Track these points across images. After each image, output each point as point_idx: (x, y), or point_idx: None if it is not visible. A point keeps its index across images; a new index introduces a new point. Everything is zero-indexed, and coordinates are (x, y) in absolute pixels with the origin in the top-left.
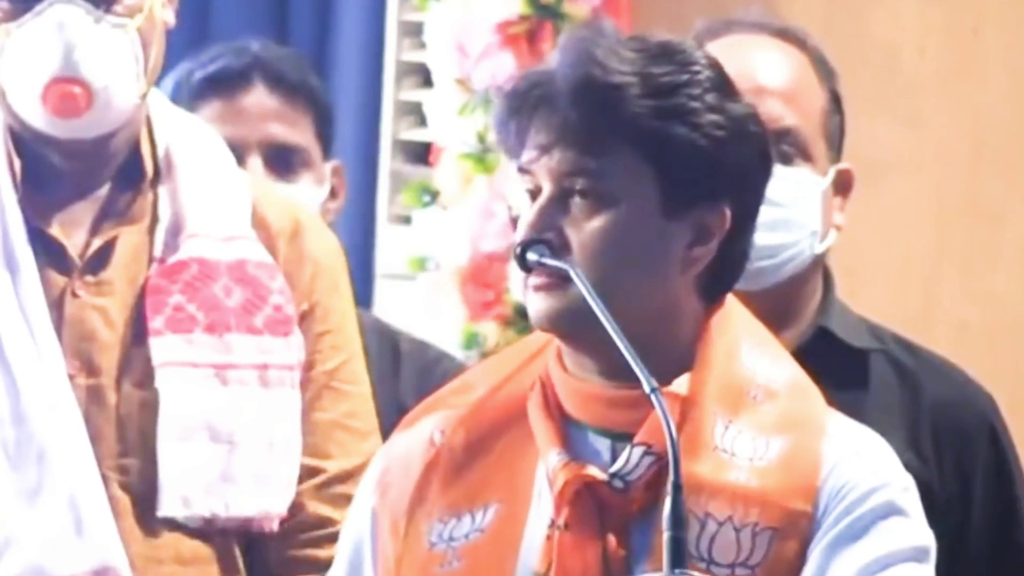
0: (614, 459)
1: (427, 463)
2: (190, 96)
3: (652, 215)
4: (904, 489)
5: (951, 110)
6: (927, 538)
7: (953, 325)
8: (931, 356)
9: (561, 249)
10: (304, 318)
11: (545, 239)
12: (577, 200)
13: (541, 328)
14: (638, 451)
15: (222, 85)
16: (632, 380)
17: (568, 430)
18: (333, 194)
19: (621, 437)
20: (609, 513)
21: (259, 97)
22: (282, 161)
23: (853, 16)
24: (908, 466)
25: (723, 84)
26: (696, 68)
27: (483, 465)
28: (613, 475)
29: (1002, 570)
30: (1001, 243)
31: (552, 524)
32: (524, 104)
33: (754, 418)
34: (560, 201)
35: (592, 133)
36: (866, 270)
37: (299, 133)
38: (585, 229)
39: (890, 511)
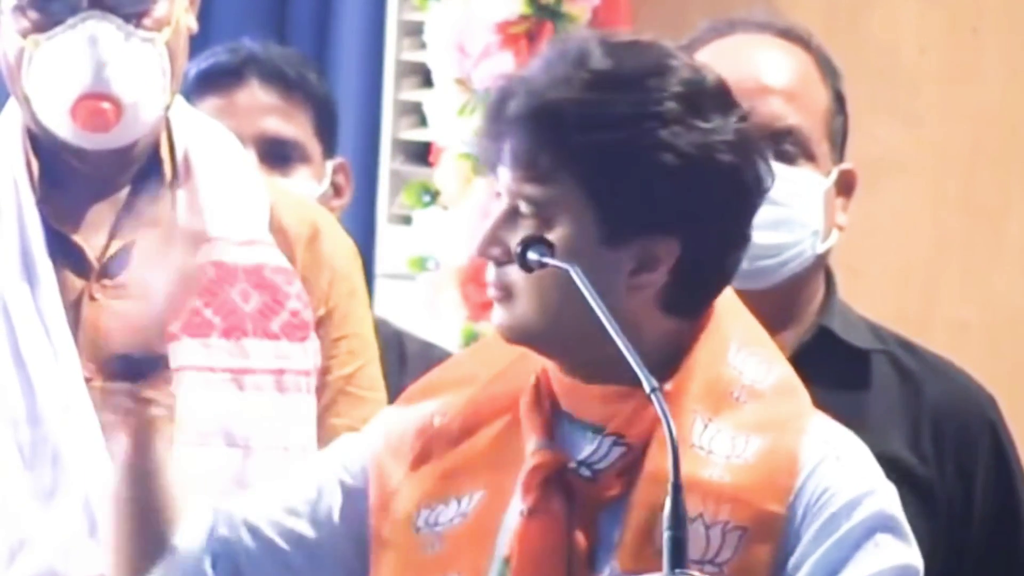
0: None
1: (421, 446)
2: (185, 93)
3: (590, 243)
4: (889, 498)
5: (951, 110)
6: (916, 558)
7: (953, 325)
8: (933, 357)
9: (507, 263)
10: (321, 323)
11: (492, 255)
12: (524, 220)
13: (504, 339)
14: (607, 441)
15: (216, 81)
16: (604, 378)
17: (560, 423)
18: (338, 192)
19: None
20: (578, 502)
21: (253, 92)
22: (277, 155)
23: (853, 16)
24: (909, 466)
25: (689, 113)
26: (658, 98)
27: (473, 453)
28: (580, 463)
29: (1003, 570)
30: (1001, 243)
31: (521, 512)
32: (488, 121)
33: (735, 417)
34: (511, 218)
35: (532, 160)
36: (866, 270)
37: (294, 127)
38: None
39: (877, 526)
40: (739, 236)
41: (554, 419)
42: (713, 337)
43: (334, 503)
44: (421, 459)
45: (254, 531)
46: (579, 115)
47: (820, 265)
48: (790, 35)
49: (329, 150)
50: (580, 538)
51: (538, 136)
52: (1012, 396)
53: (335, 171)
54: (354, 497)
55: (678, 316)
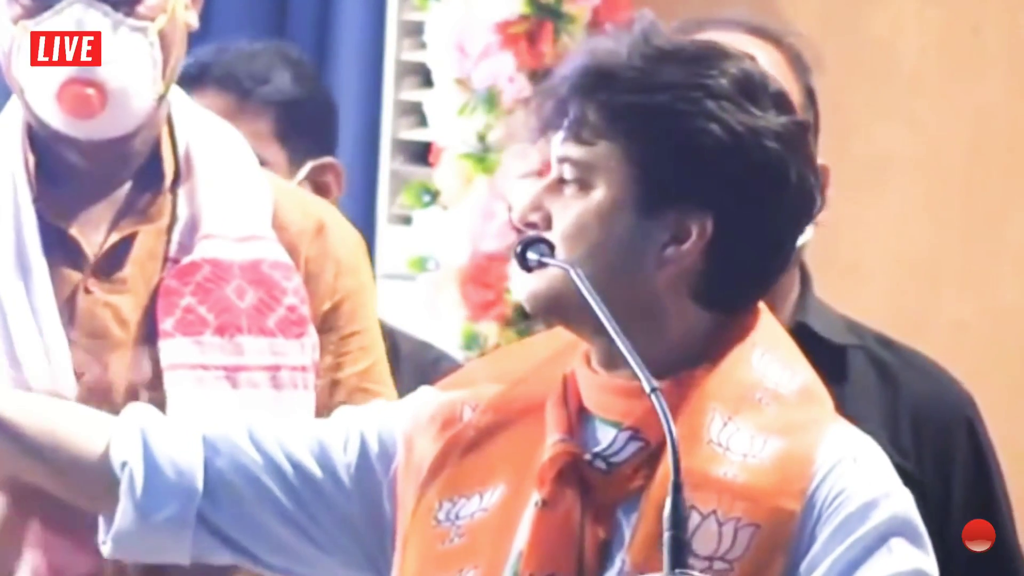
0: None
1: (448, 439)
2: None
3: (626, 209)
4: (904, 502)
5: (951, 110)
6: (930, 564)
7: (952, 325)
8: (910, 353)
9: (546, 230)
10: (327, 318)
11: (532, 221)
12: (567, 186)
13: (527, 308)
14: (624, 435)
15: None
16: (626, 367)
17: (585, 422)
18: (324, 192)
19: (624, 425)
20: (593, 495)
21: (208, 100)
22: None
23: (853, 16)
24: (889, 460)
25: (742, 96)
26: (712, 74)
27: (498, 449)
28: (596, 455)
29: (981, 565)
30: (1001, 243)
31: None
32: (550, 85)
33: (756, 418)
34: (555, 185)
35: (581, 122)
36: (866, 270)
37: (248, 136)
38: (565, 213)
39: (892, 530)
40: (777, 236)
41: (579, 418)
42: (739, 339)
43: (353, 459)
44: (447, 451)
45: (258, 445)
46: (629, 79)
47: (795, 261)
48: (760, 32)
49: (307, 152)
50: (594, 531)
51: (587, 97)
52: (1012, 396)
53: (321, 170)
54: (377, 460)
55: (710, 309)
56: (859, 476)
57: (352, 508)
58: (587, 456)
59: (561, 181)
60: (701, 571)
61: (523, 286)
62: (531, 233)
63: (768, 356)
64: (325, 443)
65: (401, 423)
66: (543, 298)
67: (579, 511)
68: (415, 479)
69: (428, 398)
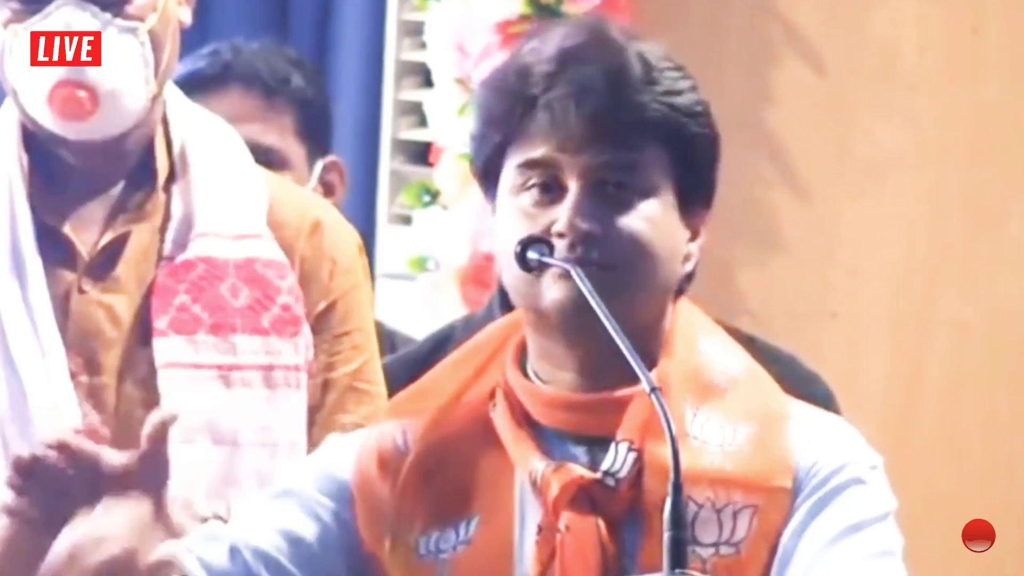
0: (592, 462)
1: (402, 483)
2: None
3: (672, 210)
4: (871, 467)
5: (951, 110)
6: (888, 503)
7: (953, 325)
8: (769, 347)
9: (616, 240)
10: (321, 318)
11: (587, 230)
12: (612, 192)
13: (561, 314)
14: (623, 447)
15: (197, 88)
16: (606, 381)
17: (540, 437)
18: (330, 191)
19: (596, 440)
20: (601, 512)
21: (232, 100)
22: (256, 162)
23: (853, 16)
24: None
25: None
26: (684, 73)
27: (455, 476)
28: (605, 473)
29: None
30: (1001, 243)
31: (539, 530)
32: (550, 95)
33: (719, 405)
34: (597, 193)
35: (628, 127)
36: (866, 270)
37: (273, 134)
38: (632, 219)
39: (851, 483)
40: None
41: (534, 433)
42: (683, 325)
43: (314, 536)
44: (402, 494)
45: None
46: (657, 81)
47: None
48: None
49: (317, 151)
50: (611, 548)
51: (632, 102)
52: (1012, 396)
53: (327, 169)
54: (334, 519)
55: (678, 296)
56: (830, 448)
57: (335, 565)
58: (598, 475)
59: (599, 186)
60: (708, 557)
61: (558, 293)
62: (533, 235)
63: (709, 340)
64: (299, 539)
65: (347, 473)
66: (578, 305)
67: (596, 531)
68: (378, 525)
69: (364, 439)
